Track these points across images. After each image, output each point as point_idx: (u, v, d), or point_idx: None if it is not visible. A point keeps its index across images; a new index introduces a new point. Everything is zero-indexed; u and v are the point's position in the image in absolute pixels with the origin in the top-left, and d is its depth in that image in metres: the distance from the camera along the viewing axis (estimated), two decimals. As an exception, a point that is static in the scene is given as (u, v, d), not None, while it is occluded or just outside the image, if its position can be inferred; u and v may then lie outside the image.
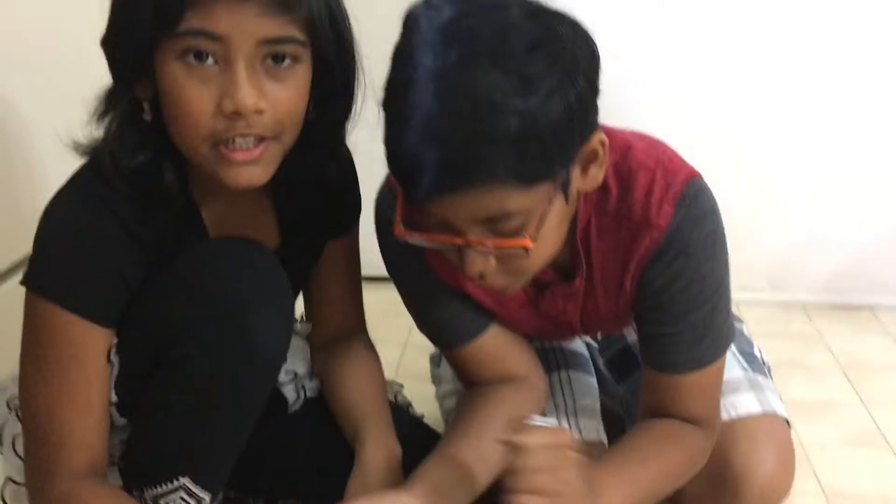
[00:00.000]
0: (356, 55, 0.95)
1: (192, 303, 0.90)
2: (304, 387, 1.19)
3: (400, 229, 0.91)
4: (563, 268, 1.07)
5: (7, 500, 1.02)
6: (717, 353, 1.07)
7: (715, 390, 1.10)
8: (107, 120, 0.90)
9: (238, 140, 0.86)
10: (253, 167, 0.88)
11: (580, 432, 1.20)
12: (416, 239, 0.91)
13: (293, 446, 1.18)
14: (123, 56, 0.87)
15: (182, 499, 0.98)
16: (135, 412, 0.98)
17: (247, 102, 0.84)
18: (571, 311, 1.13)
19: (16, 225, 1.19)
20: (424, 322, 1.17)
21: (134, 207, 0.90)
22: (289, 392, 1.16)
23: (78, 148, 0.92)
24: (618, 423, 1.34)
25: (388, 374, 1.33)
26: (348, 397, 1.13)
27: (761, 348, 1.31)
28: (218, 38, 0.83)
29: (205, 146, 0.86)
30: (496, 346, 1.15)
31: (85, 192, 0.91)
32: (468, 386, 1.19)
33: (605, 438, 1.23)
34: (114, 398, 0.97)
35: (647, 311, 1.06)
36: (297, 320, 1.26)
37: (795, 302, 2.06)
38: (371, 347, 1.23)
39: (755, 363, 1.27)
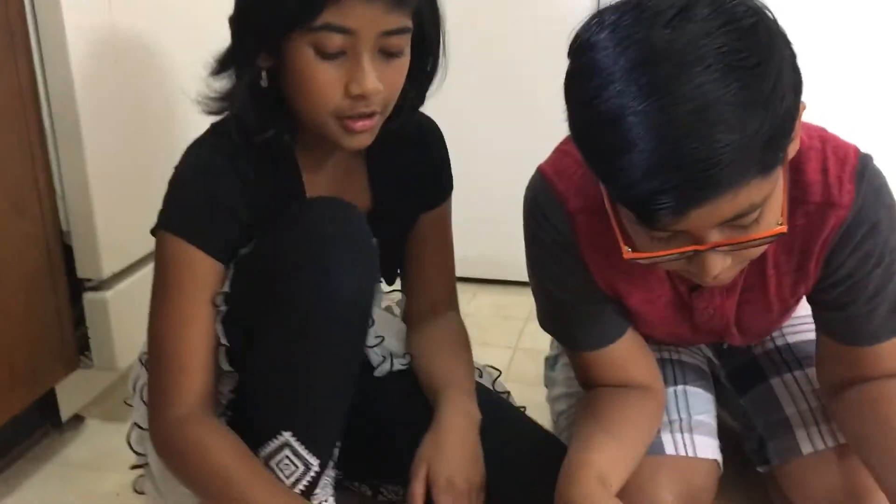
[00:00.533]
0: (444, 29, 1.05)
1: (283, 250, 0.98)
2: (391, 353, 1.20)
3: (628, 252, 0.88)
4: None
5: (132, 443, 1.10)
6: None
7: None
8: (226, 82, 1.02)
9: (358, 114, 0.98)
10: (366, 134, 1.01)
11: (695, 449, 1.16)
12: (650, 259, 0.88)
13: (379, 418, 1.18)
14: (256, 36, 0.97)
15: (289, 459, 1.00)
16: (240, 363, 1.03)
17: (371, 87, 0.96)
18: (729, 307, 1.09)
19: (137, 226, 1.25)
20: (560, 324, 1.15)
21: (248, 160, 1.02)
22: (374, 355, 1.17)
23: (207, 105, 1.03)
24: (733, 438, 1.30)
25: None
26: (432, 366, 1.16)
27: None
28: (350, 32, 0.93)
29: (330, 119, 0.98)
30: (627, 352, 1.14)
31: (209, 144, 1.04)
32: (587, 387, 1.18)
33: (720, 457, 1.19)
34: (224, 341, 1.03)
35: (840, 293, 1.03)
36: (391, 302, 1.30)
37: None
38: (461, 324, 1.25)
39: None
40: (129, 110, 1.38)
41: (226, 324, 1.02)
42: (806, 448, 1.16)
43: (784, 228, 0.85)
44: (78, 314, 1.37)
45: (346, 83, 0.95)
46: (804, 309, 1.16)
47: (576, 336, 1.13)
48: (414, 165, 1.13)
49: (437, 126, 1.19)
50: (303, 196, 1.08)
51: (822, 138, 0.98)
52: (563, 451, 1.17)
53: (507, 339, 1.82)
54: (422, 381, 1.16)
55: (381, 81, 0.96)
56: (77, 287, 1.36)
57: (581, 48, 0.83)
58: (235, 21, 0.99)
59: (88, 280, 1.36)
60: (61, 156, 1.28)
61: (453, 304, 1.27)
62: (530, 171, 1.09)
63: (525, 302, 2.01)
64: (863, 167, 0.97)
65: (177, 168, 1.04)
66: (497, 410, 1.18)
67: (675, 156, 0.76)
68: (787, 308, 1.11)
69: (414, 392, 1.16)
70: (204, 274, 1.01)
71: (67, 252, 1.33)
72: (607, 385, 1.13)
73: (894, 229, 0.99)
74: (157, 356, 1.02)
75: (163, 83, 1.44)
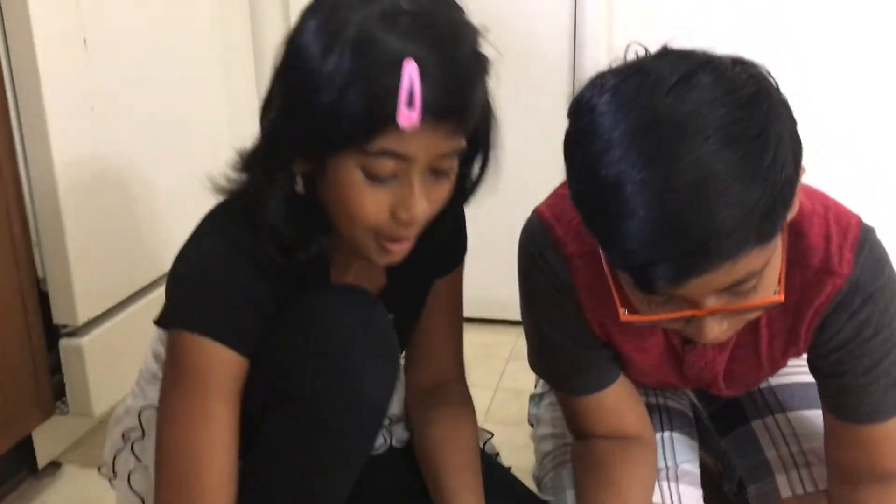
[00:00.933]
0: (496, 132, 0.97)
1: (302, 349, 0.91)
2: (391, 433, 1.18)
3: (625, 315, 0.88)
4: None
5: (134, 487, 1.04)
6: None
7: None
8: (252, 178, 0.94)
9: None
10: (401, 253, 0.94)
11: (680, 499, 1.15)
12: (647, 322, 0.88)
13: (379, 496, 1.15)
14: (298, 147, 0.90)
15: None
16: (248, 455, 0.98)
17: (421, 214, 0.89)
18: (720, 362, 1.09)
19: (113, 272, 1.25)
20: (552, 368, 1.13)
21: (265, 251, 0.93)
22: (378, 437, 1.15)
23: (218, 190, 0.96)
24: (711, 481, 1.29)
25: (479, 418, 1.31)
26: (440, 460, 1.10)
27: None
28: (405, 158, 0.86)
29: (368, 236, 0.91)
30: (619, 398, 1.12)
31: (219, 233, 0.95)
32: (579, 436, 1.16)
33: (703, 507, 1.19)
34: None
35: (835, 363, 1.02)
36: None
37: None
38: (468, 403, 1.20)
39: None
40: (104, 158, 1.38)
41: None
42: (785, 492, 1.15)
43: (781, 298, 0.85)
44: (54, 360, 1.36)
45: (394, 206, 0.88)
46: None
47: (569, 380, 1.11)
48: (430, 235, 1.00)
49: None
50: (327, 281, 1.01)
51: (825, 205, 0.98)
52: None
53: (489, 379, 1.82)
54: (424, 469, 1.12)
55: (427, 201, 0.89)
56: (53, 333, 1.36)
57: (582, 110, 0.83)
58: (273, 125, 0.90)
59: (64, 326, 1.36)
60: (36, 203, 1.29)
61: (460, 376, 1.21)
62: (516, 211, 1.09)
63: (509, 341, 2.02)
64: (864, 238, 0.97)
65: (179, 261, 0.95)
66: (490, 473, 1.15)
67: (674, 227, 0.76)
68: (776, 368, 1.11)
69: (411, 471, 1.13)
70: (230, 373, 0.92)
71: (43, 298, 1.33)
72: (600, 434, 1.12)
73: (893, 302, 0.98)
74: (166, 470, 0.92)
75: (138, 133, 1.45)
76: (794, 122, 0.82)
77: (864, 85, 1.88)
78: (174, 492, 0.91)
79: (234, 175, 0.95)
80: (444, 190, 0.92)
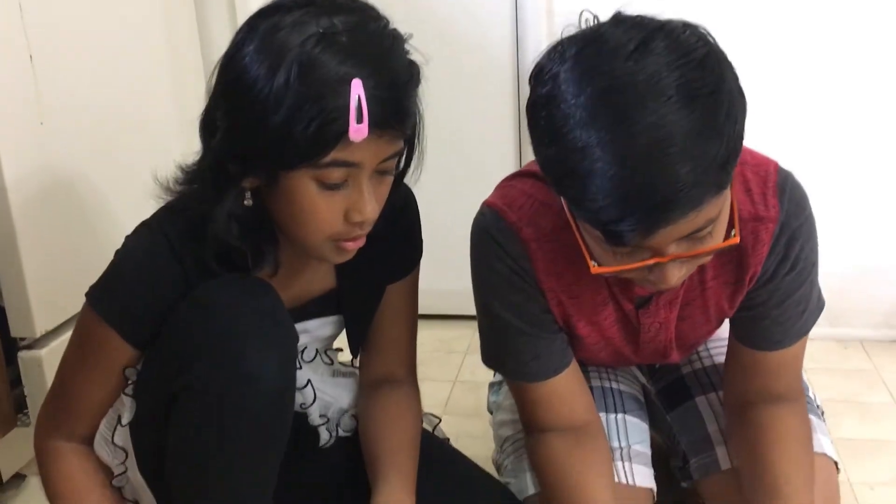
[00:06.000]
0: (422, 125, 1.03)
1: (190, 337, 0.96)
2: (337, 425, 1.21)
3: (595, 267, 0.94)
4: None
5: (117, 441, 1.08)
6: (812, 322, 1.12)
7: (802, 357, 1.16)
8: (200, 193, 0.97)
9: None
10: (355, 250, 1.00)
11: (633, 478, 1.20)
12: (616, 272, 0.94)
13: (327, 481, 1.20)
14: (248, 166, 0.94)
15: None
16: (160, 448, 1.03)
17: (372, 214, 0.96)
18: (671, 320, 1.15)
19: (69, 284, 1.26)
20: (509, 356, 1.16)
21: (198, 257, 0.99)
22: (322, 432, 1.18)
23: (164, 192, 1.01)
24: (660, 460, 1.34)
25: (437, 410, 1.34)
26: (375, 447, 1.15)
27: (816, 385, 1.30)
28: (355, 165, 0.92)
29: (325, 242, 0.97)
30: (569, 386, 1.17)
31: (158, 229, 1.01)
32: (530, 428, 1.20)
33: (654, 486, 1.23)
34: (126, 419, 1.04)
35: (753, 297, 1.10)
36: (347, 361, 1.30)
37: (854, 337, 2.01)
38: (414, 395, 1.24)
39: (810, 405, 1.27)
40: (55, 172, 1.39)
41: (138, 394, 1.03)
42: (724, 464, 1.21)
43: (737, 239, 0.92)
44: (13, 374, 1.37)
45: (347, 210, 0.95)
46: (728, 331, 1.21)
47: (523, 366, 1.14)
48: (381, 238, 1.04)
49: (409, 191, 1.13)
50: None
51: (742, 161, 1.01)
52: (502, 490, 1.22)
53: (447, 373, 1.85)
54: (365, 457, 1.16)
55: (375, 200, 0.96)
56: (11, 347, 1.37)
57: (544, 78, 0.88)
58: (220, 145, 0.94)
59: (22, 339, 1.37)
60: (-11, 217, 1.30)
61: (411, 374, 1.25)
62: (469, 207, 1.13)
63: (466, 335, 2.05)
64: (783, 182, 1.04)
65: (124, 244, 1.02)
66: (438, 451, 1.21)
67: (640, 183, 0.82)
68: (723, 318, 1.17)
69: (358, 458, 1.17)
70: (118, 356, 1.02)
71: (0, 313, 1.34)
72: (553, 425, 1.16)
73: (810, 238, 1.06)
74: (58, 394, 1.07)
75: (89, 146, 1.46)
76: (737, 78, 0.88)
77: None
78: (56, 408, 1.07)
79: (178, 188, 1.00)
80: (387, 186, 0.99)
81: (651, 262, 0.90)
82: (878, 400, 1.72)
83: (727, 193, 0.90)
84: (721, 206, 0.89)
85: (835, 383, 1.72)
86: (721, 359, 1.31)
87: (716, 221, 0.89)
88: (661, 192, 0.82)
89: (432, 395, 1.61)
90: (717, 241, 0.91)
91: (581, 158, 0.84)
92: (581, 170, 0.84)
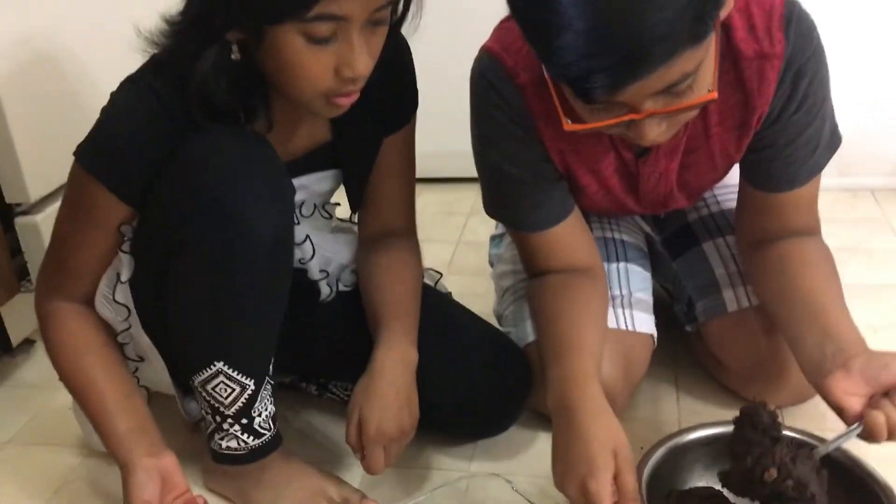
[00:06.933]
0: None
1: (185, 191, 0.95)
2: (338, 280, 1.22)
3: (569, 124, 0.91)
4: None
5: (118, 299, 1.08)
6: (826, 160, 1.10)
7: (818, 197, 1.14)
8: (185, 46, 0.94)
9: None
10: (350, 102, 0.97)
11: (634, 324, 1.21)
12: (590, 129, 0.91)
13: (329, 335, 1.22)
14: (233, 20, 0.90)
15: (224, 384, 1.03)
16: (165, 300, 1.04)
17: (364, 69, 0.92)
18: (672, 170, 1.12)
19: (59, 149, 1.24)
20: (509, 205, 1.16)
21: (187, 111, 0.96)
22: (322, 287, 1.19)
23: (149, 45, 0.97)
24: (663, 308, 1.34)
25: (441, 270, 1.34)
26: (376, 298, 1.15)
27: (823, 234, 1.27)
28: (343, 19, 0.88)
29: (317, 98, 0.94)
30: (572, 233, 1.16)
31: (145, 81, 0.97)
32: (531, 273, 1.20)
33: (655, 332, 1.24)
34: (125, 276, 1.04)
35: (761, 139, 1.07)
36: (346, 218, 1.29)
37: (863, 186, 1.98)
38: (413, 249, 1.23)
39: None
40: (36, 41, 1.35)
41: (135, 251, 1.03)
42: (731, 306, 1.21)
43: (714, 95, 0.88)
44: (13, 242, 1.37)
45: (338, 66, 0.91)
46: (736, 177, 1.19)
47: (524, 216, 1.14)
48: (376, 88, 1.01)
49: (403, 41, 1.10)
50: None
51: None
52: (504, 340, 1.22)
53: (450, 235, 1.85)
54: (366, 310, 1.16)
55: (368, 54, 0.92)
56: (8, 214, 1.36)
57: None
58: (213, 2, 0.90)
59: (18, 205, 1.36)
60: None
61: (410, 228, 1.24)
62: (471, 63, 1.09)
63: (469, 197, 2.04)
64: (790, 13, 0.99)
65: (110, 100, 0.99)
66: (439, 304, 1.22)
67: (608, 36, 0.78)
68: (732, 163, 1.14)
69: (361, 311, 1.17)
70: (112, 213, 1.01)
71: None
72: (554, 270, 1.16)
73: (819, 70, 1.02)
74: (54, 254, 1.06)
75: (71, 11, 1.41)
76: None
77: None
78: (53, 269, 1.07)
79: (163, 41, 0.95)
80: (381, 37, 0.94)
81: (625, 118, 0.87)
82: (884, 246, 1.71)
83: (709, 45, 0.85)
84: (700, 59, 0.84)
85: (842, 231, 1.70)
86: (729, 205, 1.30)
87: (695, 75, 0.85)
88: (628, 46, 0.78)
89: (436, 256, 1.60)
90: (697, 96, 0.86)
91: (547, 12, 0.80)
92: (547, 24, 0.81)
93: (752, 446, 0.91)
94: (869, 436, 0.90)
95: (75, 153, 1.00)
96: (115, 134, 0.98)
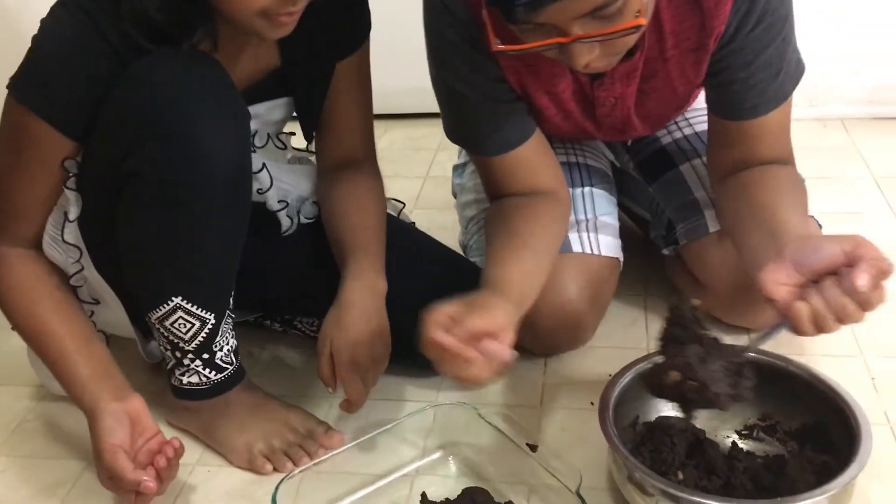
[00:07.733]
0: None
1: (134, 117, 0.91)
2: (298, 211, 1.19)
3: (497, 45, 0.88)
4: None
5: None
6: (791, 87, 1.07)
7: (789, 127, 1.10)
8: None
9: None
10: (293, 23, 0.92)
11: (599, 247, 1.19)
12: (518, 51, 0.89)
13: (292, 269, 1.19)
14: None
15: (183, 319, 1.00)
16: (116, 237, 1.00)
17: None
18: (629, 95, 1.10)
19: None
20: (468, 129, 1.13)
21: (125, 33, 0.91)
22: (282, 218, 1.16)
23: None
24: (635, 234, 1.32)
25: (409, 204, 1.32)
26: (341, 229, 1.13)
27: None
28: None
29: (256, 18, 0.90)
30: (534, 156, 1.13)
31: (75, 10, 0.92)
32: (493, 198, 1.18)
33: (621, 256, 1.23)
34: (73, 214, 1.00)
35: (719, 61, 1.04)
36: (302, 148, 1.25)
37: (833, 116, 1.97)
38: (375, 177, 1.21)
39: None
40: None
41: (82, 187, 0.99)
42: (713, 226, 1.20)
43: (641, 21, 0.84)
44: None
45: None
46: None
47: (484, 140, 1.12)
48: (325, 9, 0.98)
49: None
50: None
51: None
52: (469, 266, 1.20)
53: (417, 170, 1.82)
54: (330, 242, 1.13)
55: None
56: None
57: None
58: None
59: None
60: None
61: (370, 156, 1.21)
62: None
63: (436, 133, 1.95)
64: None
65: (40, 28, 0.94)
66: (403, 233, 1.20)
67: None
68: (692, 89, 1.11)
69: (324, 243, 1.15)
70: (54, 149, 0.96)
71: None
72: (515, 194, 1.14)
73: None
74: None
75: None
76: None
77: None
78: (1, 214, 1.02)
79: None
80: None
81: (551, 41, 0.84)
82: (853, 174, 1.71)
83: None
84: None
85: (812, 160, 1.68)
86: (701, 127, 1.28)
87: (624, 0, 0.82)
88: None
89: (403, 190, 1.58)
90: (627, 21, 0.83)
91: None
92: None
93: (677, 346, 0.88)
94: (794, 329, 0.83)
95: (8, 86, 0.95)
96: (47, 59, 0.93)
